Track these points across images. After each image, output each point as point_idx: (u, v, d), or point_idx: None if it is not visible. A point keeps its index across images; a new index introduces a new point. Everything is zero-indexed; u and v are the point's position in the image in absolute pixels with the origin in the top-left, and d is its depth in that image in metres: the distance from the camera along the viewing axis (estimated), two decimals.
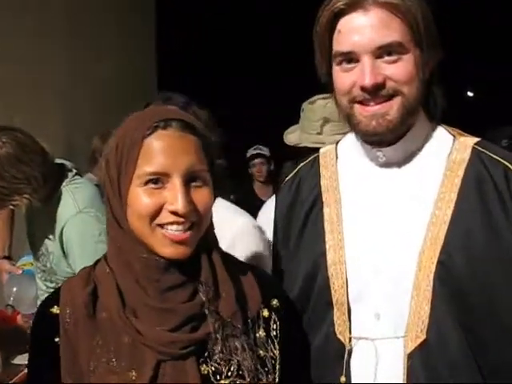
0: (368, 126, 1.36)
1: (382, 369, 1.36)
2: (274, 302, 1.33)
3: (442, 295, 1.33)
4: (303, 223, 1.49)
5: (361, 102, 1.36)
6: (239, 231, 1.77)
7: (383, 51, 1.32)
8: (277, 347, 1.30)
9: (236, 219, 1.82)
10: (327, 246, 1.43)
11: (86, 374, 1.20)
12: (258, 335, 1.28)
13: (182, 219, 1.18)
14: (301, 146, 2.42)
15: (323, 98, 2.35)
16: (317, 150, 1.82)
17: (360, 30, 1.32)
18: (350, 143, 1.52)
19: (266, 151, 5.90)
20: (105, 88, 5.08)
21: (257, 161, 5.84)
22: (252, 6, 8.76)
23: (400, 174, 1.43)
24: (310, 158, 1.59)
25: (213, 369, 1.22)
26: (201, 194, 1.21)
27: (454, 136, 1.45)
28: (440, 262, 1.33)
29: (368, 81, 1.31)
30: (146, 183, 1.18)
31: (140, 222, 1.19)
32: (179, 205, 1.17)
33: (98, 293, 1.24)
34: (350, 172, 1.50)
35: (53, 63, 4.62)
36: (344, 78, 1.37)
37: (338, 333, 1.40)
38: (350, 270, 1.41)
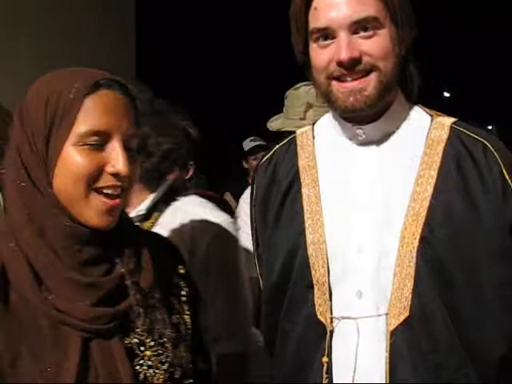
0: (346, 102, 1.36)
1: (364, 347, 1.35)
2: (181, 269, 1.32)
3: (425, 271, 1.33)
4: (281, 204, 1.48)
5: (338, 78, 1.36)
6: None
7: (359, 26, 1.33)
8: (187, 312, 1.29)
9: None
10: (306, 226, 1.42)
11: (8, 364, 1.09)
12: (170, 302, 1.26)
13: (119, 183, 1.14)
14: (283, 130, 2.43)
15: (306, 85, 2.36)
16: None
17: (336, 5, 1.33)
18: (328, 122, 1.52)
19: (263, 141, 5.42)
20: None
21: (259, 154, 5.59)
22: None
23: (379, 151, 1.42)
24: (286, 140, 1.58)
25: (136, 341, 1.18)
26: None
27: (431, 116, 1.46)
28: (422, 238, 1.33)
29: (344, 55, 1.32)
30: (84, 143, 1.12)
31: (75, 185, 1.12)
32: (121, 166, 1.12)
33: (6, 272, 1.13)
34: (327, 151, 1.49)
35: (22, 57, 4.50)
36: (321, 54, 1.37)
37: (318, 314, 1.39)
38: (331, 249, 1.39)
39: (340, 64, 1.34)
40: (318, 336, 1.38)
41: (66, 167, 1.12)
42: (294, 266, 1.42)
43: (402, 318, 1.33)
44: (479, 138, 1.40)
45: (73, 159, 1.12)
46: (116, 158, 1.13)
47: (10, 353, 1.09)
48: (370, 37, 1.34)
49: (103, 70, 1.23)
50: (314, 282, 1.39)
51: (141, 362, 1.17)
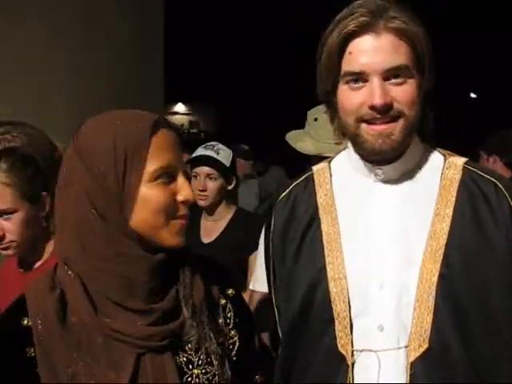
0: (374, 144, 1.42)
1: (385, 379, 1.40)
2: (230, 291, 1.41)
3: (443, 306, 1.39)
4: (300, 241, 1.53)
5: (367, 121, 1.42)
6: None
7: (391, 74, 1.39)
8: (232, 333, 1.37)
9: None
10: (326, 262, 1.47)
11: (66, 379, 1.20)
12: (218, 323, 1.35)
13: (187, 209, 1.28)
14: (322, 155, 2.39)
15: None
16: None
17: (371, 52, 1.39)
18: (344, 161, 1.58)
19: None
20: (111, 87, 5.10)
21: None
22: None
23: (397, 190, 1.49)
24: (302, 177, 1.63)
25: (185, 359, 1.27)
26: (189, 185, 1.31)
27: (444, 156, 1.53)
28: (440, 275, 1.39)
29: (378, 100, 1.37)
30: (156, 179, 1.23)
31: (156, 217, 1.23)
32: (190, 194, 1.26)
33: (65, 298, 1.24)
34: (345, 188, 1.54)
35: (60, 62, 4.65)
36: (352, 96, 1.42)
37: (339, 346, 1.44)
38: (352, 284, 1.45)
39: (373, 108, 1.39)
40: (339, 368, 1.43)
41: (145, 203, 1.22)
42: (314, 301, 1.47)
43: (422, 350, 1.38)
44: (491, 178, 1.47)
45: (151, 195, 1.22)
46: (185, 188, 1.26)
47: (68, 370, 1.20)
48: (400, 84, 1.39)
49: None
50: (335, 316, 1.44)
51: (189, 379, 1.26)
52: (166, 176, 1.24)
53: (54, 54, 4.55)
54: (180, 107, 19.70)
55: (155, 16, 5.94)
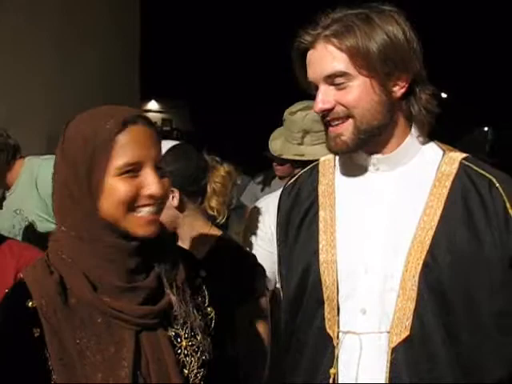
0: (330, 144, 1.55)
1: (366, 362, 1.47)
2: (203, 273, 1.52)
3: (426, 295, 1.44)
4: (300, 224, 1.62)
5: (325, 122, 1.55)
6: None
7: (331, 80, 1.50)
8: (209, 310, 1.48)
9: None
10: (320, 246, 1.55)
11: (77, 354, 1.29)
12: (196, 299, 1.45)
13: (155, 201, 1.33)
14: (283, 157, 2.58)
15: (302, 110, 2.47)
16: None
17: (311, 64, 1.53)
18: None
19: None
20: (85, 87, 5.07)
21: None
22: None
23: (392, 181, 1.55)
24: (309, 166, 1.73)
25: (173, 333, 1.38)
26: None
27: (443, 151, 1.58)
28: (425, 264, 1.45)
29: (316, 107, 1.52)
30: (122, 174, 1.31)
31: (117, 209, 1.31)
32: (155, 189, 1.32)
33: (63, 281, 1.33)
34: (346, 178, 1.61)
35: (41, 55, 4.62)
36: (315, 101, 1.55)
37: (327, 327, 1.51)
38: (341, 268, 1.52)
39: (317, 113, 1.54)
40: (327, 348, 1.51)
41: (110, 195, 1.31)
42: (307, 282, 1.55)
43: (403, 336, 1.44)
44: (486, 174, 1.51)
45: (115, 188, 1.30)
46: (150, 182, 1.31)
47: (77, 347, 1.29)
48: (341, 89, 1.49)
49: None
50: (325, 298, 1.52)
51: (178, 351, 1.37)
52: (132, 171, 1.31)
53: (27, 51, 4.52)
54: (153, 105, 19.62)
55: (130, 14, 5.92)
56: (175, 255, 1.42)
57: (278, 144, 2.61)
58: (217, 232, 2.07)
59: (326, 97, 1.50)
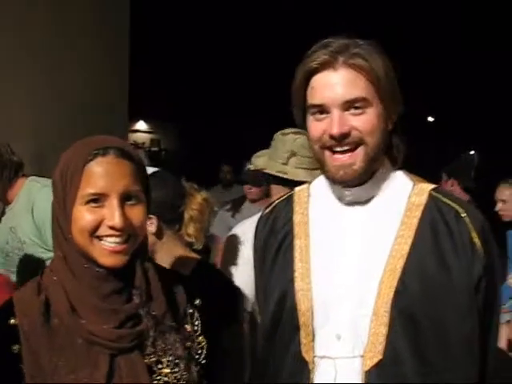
0: (336, 174, 1.55)
1: None
2: (197, 301, 1.54)
3: (398, 320, 1.50)
4: (276, 252, 1.67)
5: (330, 148, 1.54)
6: None
7: (350, 105, 1.51)
8: (200, 339, 1.51)
9: None
10: (296, 274, 1.60)
11: (50, 373, 1.35)
12: (186, 330, 1.49)
13: (118, 233, 1.37)
14: (265, 171, 2.61)
15: (294, 133, 2.53)
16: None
17: (330, 86, 1.52)
18: (322, 183, 1.70)
19: None
20: (73, 107, 5.06)
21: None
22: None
23: (364, 211, 1.60)
24: (285, 196, 1.78)
25: (154, 359, 1.41)
26: (135, 211, 1.40)
27: (413, 182, 1.64)
28: (397, 292, 1.51)
29: (335, 130, 1.50)
30: (88, 202, 1.37)
31: (82, 236, 1.37)
32: (116, 220, 1.36)
33: (49, 301, 1.39)
34: (319, 208, 1.67)
35: (21, 77, 4.61)
36: (316, 126, 1.56)
37: (303, 352, 1.57)
38: (316, 296, 1.57)
39: (332, 137, 1.52)
40: (303, 372, 1.56)
41: (75, 223, 1.38)
42: (284, 309, 1.60)
43: (376, 360, 1.50)
44: (453, 205, 1.57)
45: (79, 216, 1.37)
46: (111, 214, 1.36)
47: (52, 365, 1.34)
48: (359, 114, 1.51)
49: None
50: (301, 324, 1.57)
51: (158, 377, 1.41)
52: (96, 201, 1.36)
53: (16, 66, 4.51)
54: (141, 125, 19.63)
55: (120, 31, 5.92)
56: (154, 283, 1.44)
57: (262, 160, 2.67)
58: (196, 256, 2.09)
59: (342, 122, 1.50)
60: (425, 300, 1.49)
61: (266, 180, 2.64)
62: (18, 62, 4.54)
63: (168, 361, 1.41)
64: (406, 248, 1.53)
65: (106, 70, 5.54)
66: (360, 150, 1.52)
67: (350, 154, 1.52)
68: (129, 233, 1.38)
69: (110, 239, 1.36)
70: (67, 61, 5.04)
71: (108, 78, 5.56)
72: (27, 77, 4.66)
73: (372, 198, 1.59)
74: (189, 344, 1.47)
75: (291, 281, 1.59)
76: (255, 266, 1.75)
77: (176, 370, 1.41)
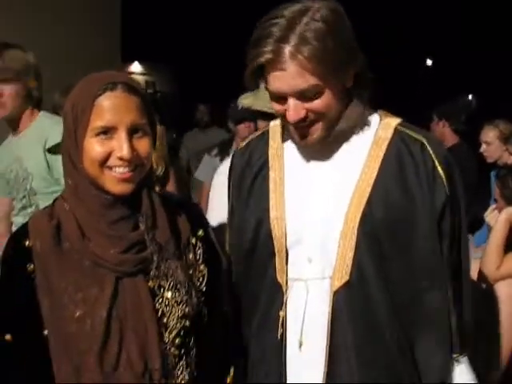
0: (300, 142, 1.67)
1: (311, 304, 1.66)
2: (200, 232, 1.67)
3: (363, 243, 1.63)
4: (251, 184, 1.79)
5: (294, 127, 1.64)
6: None
7: (303, 93, 1.57)
8: (202, 268, 1.63)
9: None
10: (271, 203, 1.72)
11: (60, 290, 1.47)
12: (188, 258, 1.61)
13: (126, 163, 1.47)
14: (253, 108, 2.75)
15: None
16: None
17: (281, 79, 1.55)
18: None
19: None
20: (67, 48, 5.03)
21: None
22: None
23: (333, 146, 1.70)
24: (260, 132, 1.89)
25: (157, 284, 1.53)
26: (142, 143, 1.51)
27: (380, 117, 1.73)
28: (363, 217, 1.63)
29: (291, 118, 1.59)
30: (97, 134, 1.47)
31: (92, 166, 1.47)
32: (124, 152, 1.46)
33: (61, 226, 1.51)
34: (292, 143, 1.76)
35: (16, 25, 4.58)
36: (277, 107, 1.63)
37: (278, 276, 1.71)
38: (289, 223, 1.70)
39: (291, 123, 1.61)
40: (278, 294, 1.70)
41: (86, 153, 1.48)
42: (260, 236, 1.73)
43: (343, 281, 1.63)
44: (418, 137, 1.68)
45: (90, 148, 1.48)
46: (120, 146, 1.47)
47: (62, 284, 1.48)
48: (314, 98, 1.57)
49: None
50: (276, 250, 1.70)
51: (159, 300, 1.53)
52: (105, 133, 1.46)
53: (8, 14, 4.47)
54: (136, 67, 19.42)
55: None
56: (159, 212, 1.54)
57: (249, 99, 2.78)
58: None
59: (298, 109, 1.57)
60: (388, 224, 1.62)
61: (253, 118, 2.70)
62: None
63: (170, 285, 1.53)
64: (373, 177, 1.65)
65: (100, 13, 5.49)
66: (319, 124, 1.61)
67: (309, 128, 1.61)
68: (136, 163, 1.49)
69: (118, 169, 1.47)
70: (60, 6, 4.99)
71: (101, 19, 5.51)
72: (21, 19, 4.63)
73: (341, 134, 1.68)
74: (190, 271, 1.59)
75: (266, 210, 1.72)
76: (232, 195, 1.86)
77: (177, 294, 1.53)
